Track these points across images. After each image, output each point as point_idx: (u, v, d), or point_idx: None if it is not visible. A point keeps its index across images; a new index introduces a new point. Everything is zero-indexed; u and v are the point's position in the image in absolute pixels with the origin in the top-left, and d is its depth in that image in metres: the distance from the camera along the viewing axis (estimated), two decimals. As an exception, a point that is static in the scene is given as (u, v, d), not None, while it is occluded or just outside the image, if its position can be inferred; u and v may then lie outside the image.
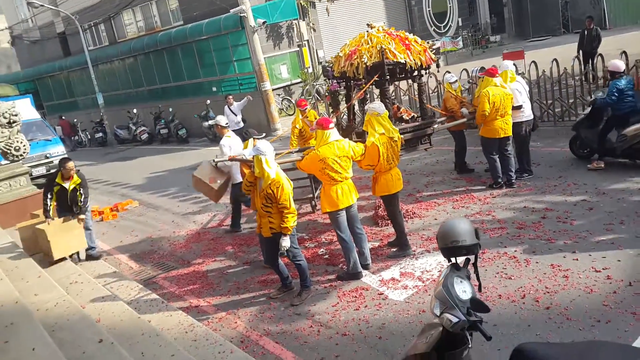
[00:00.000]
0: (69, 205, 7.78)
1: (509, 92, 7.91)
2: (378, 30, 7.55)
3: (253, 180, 5.76)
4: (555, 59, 11.23)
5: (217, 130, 8.49)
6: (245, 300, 6.17)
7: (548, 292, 5.05)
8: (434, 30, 28.55)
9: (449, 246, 3.47)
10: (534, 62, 11.49)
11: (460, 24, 29.90)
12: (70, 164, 7.73)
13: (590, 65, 12.17)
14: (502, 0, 32.16)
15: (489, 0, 31.63)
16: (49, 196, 7.72)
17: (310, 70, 20.78)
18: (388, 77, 7.34)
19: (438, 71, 9.36)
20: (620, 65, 7.97)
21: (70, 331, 5.03)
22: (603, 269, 5.25)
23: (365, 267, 6.24)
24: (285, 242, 5.59)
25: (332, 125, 5.97)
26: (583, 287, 5.01)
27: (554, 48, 20.43)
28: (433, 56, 7.71)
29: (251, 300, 6.14)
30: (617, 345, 3.64)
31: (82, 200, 7.79)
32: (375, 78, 7.29)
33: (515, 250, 6.01)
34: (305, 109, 9.23)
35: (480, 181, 8.64)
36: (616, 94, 7.80)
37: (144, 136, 20.97)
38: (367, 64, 7.22)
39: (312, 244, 7.40)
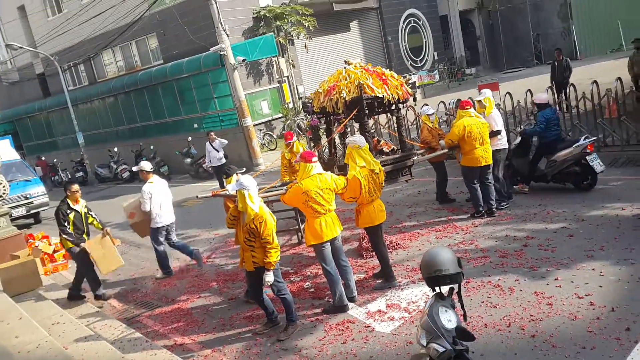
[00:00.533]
0: (84, 229, 7.88)
1: (484, 121, 8.11)
2: (355, 66, 7.74)
3: (237, 214, 5.77)
4: (529, 90, 11.53)
5: (142, 176, 8.65)
6: (231, 336, 6.10)
7: (533, 320, 5.09)
8: (410, 64, 29.16)
9: (433, 275, 3.53)
10: (508, 93, 11.77)
11: (436, 57, 30.61)
12: (76, 186, 7.84)
13: (563, 94, 12.51)
14: (475, 34, 33.09)
15: (464, 35, 32.51)
16: (67, 225, 7.68)
17: (290, 105, 21.02)
18: (367, 111, 7.49)
19: (415, 104, 9.58)
20: (544, 97, 8.92)
21: (52, 375, 4.93)
22: (586, 295, 5.32)
23: (351, 299, 6.23)
24: (269, 277, 5.59)
25: (314, 158, 6.05)
26: (567, 314, 5.06)
27: (528, 79, 20.96)
28: (409, 90, 7.90)
29: (237, 336, 6.07)
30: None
31: (97, 219, 8.09)
32: (355, 112, 7.43)
33: (499, 279, 6.07)
34: (290, 142, 9.34)
35: (462, 211, 8.75)
36: (544, 123, 8.57)
37: (126, 174, 20.83)
38: (346, 99, 7.37)
39: (297, 278, 7.38)
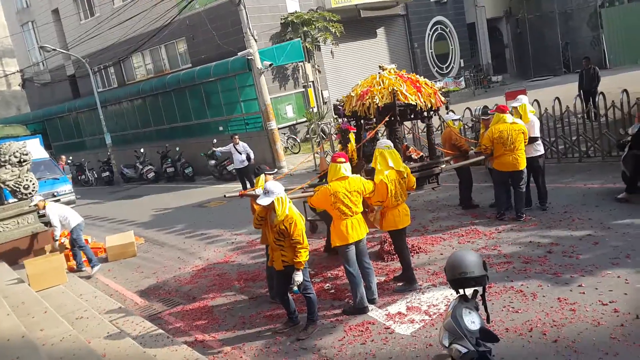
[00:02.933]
0: None
1: (520, 127, 8.00)
2: (389, 72, 7.73)
3: (264, 215, 5.84)
4: (557, 98, 11.39)
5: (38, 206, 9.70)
6: (251, 335, 6.14)
7: (555, 326, 5.03)
8: (436, 71, 29.05)
9: (458, 278, 3.50)
10: (536, 100, 11.65)
11: (462, 64, 30.44)
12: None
13: (591, 103, 12.34)
14: (503, 42, 32.80)
15: (491, 42, 32.26)
16: None
17: (315, 110, 21.10)
18: (398, 117, 7.47)
19: (447, 113, 9.55)
20: None
21: (76, 365, 5.02)
22: (610, 302, 5.24)
23: (372, 301, 6.22)
24: (299, 277, 5.63)
25: (342, 159, 6.07)
26: (590, 320, 4.99)
27: (556, 87, 20.69)
28: (442, 98, 7.86)
29: (257, 335, 6.11)
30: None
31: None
32: (387, 119, 7.41)
33: (522, 285, 6.00)
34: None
35: (485, 216, 8.67)
36: None
37: (151, 175, 21.15)
38: (379, 105, 7.37)
39: (318, 279, 7.39)
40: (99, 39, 24.61)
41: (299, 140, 20.37)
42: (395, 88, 7.33)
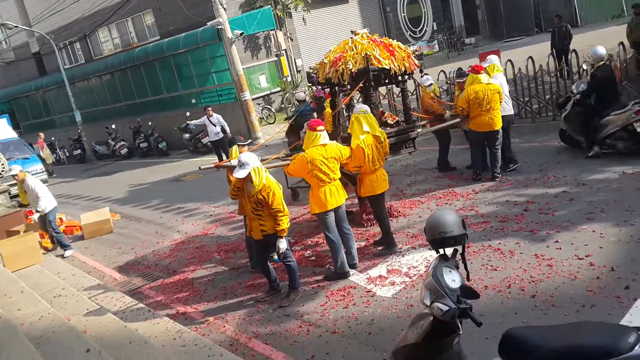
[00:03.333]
0: None
1: (496, 86, 7.99)
2: (362, 37, 7.60)
3: (241, 185, 5.76)
4: (530, 57, 11.40)
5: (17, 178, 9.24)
6: (233, 305, 6.13)
7: (533, 281, 5.10)
8: (409, 35, 28.83)
9: (437, 237, 3.49)
10: (509, 61, 11.66)
11: (435, 27, 30.25)
12: None
13: (564, 61, 12.38)
14: (475, 3, 32.64)
15: (463, 4, 32.07)
16: None
17: (289, 79, 20.84)
18: (373, 82, 7.38)
19: (422, 76, 9.49)
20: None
21: (57, 343, 4.97)
22: (586, 256, 5.32)
23: (353, 266, 6.25)
24: (282, 244, 5.66)
25: (321, 127, 6.00)
26: (567, 275, 5.07)
27: (529, 47, 20.69)
28: (416, 61, 7.77)
29: (239, 304, 6.10)
30: (602, 324, 3.70)
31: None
32: (361, 84, 7.32)
33: (500, 243, 6.07)
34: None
35: (462, 178, 8.72)
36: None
37: (124, 151, 20.82)
38: (352, 71, 7.26)
39: (299, 247, 7.39)
40: (63, 14, 23.73)
41: (274, 110, 20.15)
42: (368, 53, 7.22)
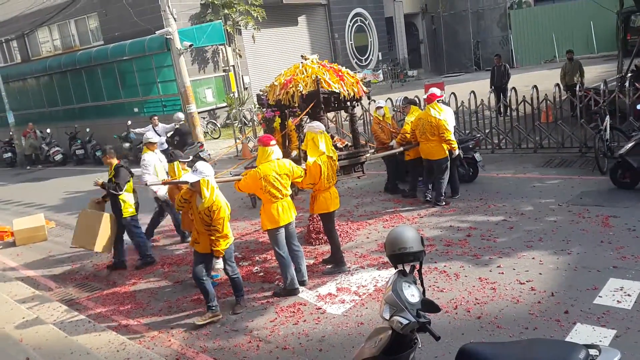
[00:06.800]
0: None
1: (439, 118, 8.29)
2: (312, 62, 7.73)
3: (188, 197, 5.69)
4: (472, 91, 11.95)
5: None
6: (179, 318, 6.00)
7: (478, 303, 5.31)
8: (355, 62, 29.52)
9: (397, 253, 3.59)
10: (453, 93, 12.17)
11: (380, 57, 31.14)
12: None
13: (502, 98, 13.08)
14: (419, 37, 33.91)
15: (407, 37, 33.24)
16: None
17: (236, 95, 20.77)
18: (323, 105, 7.50)
19: (369, 103, 9.72)
20: None
21: (-8, 351, 4.68)
22: (527, 281, 5.61)
23: (302, 283, 6.27)
24: (219, 265, 5.67)
25: (273, 142, 6.04)
26: (510, 298, 5.32)
27: (469, 83, 21.70)
28: (365, 88, 7.98)
29: (184, 318, 5.97)
30: (554, 340, 3.90)
31: None
32: (311, 106, 7.41)
33: (445, 265, 6.29)
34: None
35: (408, 202, 8.96)
36: None
37: (58, 157, 19.89)
38: (303, 93, 7.36)
39: (246, 263, 7.34)
40: (1, 9, 22.75)
41: (219, 126, 20.00)
42: (318, 76, 7.37)
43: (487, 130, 11.81)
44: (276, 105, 7.97)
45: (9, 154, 21.51)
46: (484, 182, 9.47)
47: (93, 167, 18.15)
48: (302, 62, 7.78)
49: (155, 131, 13.82)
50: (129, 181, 7.65)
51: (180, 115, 13.20)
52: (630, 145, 7.92)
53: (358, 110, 12.76)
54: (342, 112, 9.29)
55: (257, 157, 6.15)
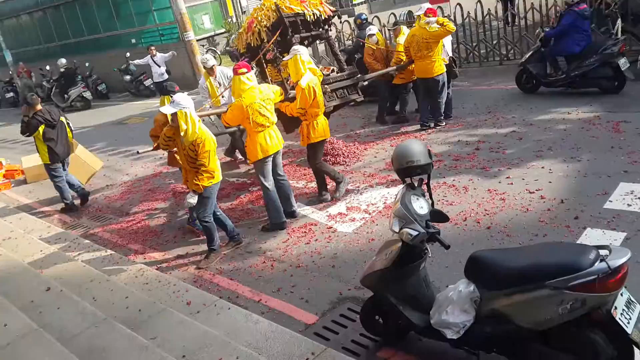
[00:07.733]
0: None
1: (434, 31, 7.71)
2: None
3: (172, 135, 5.30)
4: (479, 1, 11.49)
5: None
6: (193, 243, 6.11)
7: (488, 214, 5.34)
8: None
9: (405, 167, 3.57)
10: (459, 4, 11.71)
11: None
12: None
13: (510, 6, 12.58)
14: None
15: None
16: None
17: (234, 20, 20.19)
18: (291, 32, 7.13)
19: (341, 22, 9.22)
20: None
21: (14, 283, 4.84)
22: (536, 190, 5.60)
23: (292, 213, 6.16)
24: (192, 200, 5.24)
25: (243, 70, 5.62)
26: (519, 207, 5.33)
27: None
28: (330, 7, 7.59)
29: (199, 243, 6.08)
30: (563, 243, 3.93)
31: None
32: (278, 33, 7.05)
33: (454, 180, 6.28)
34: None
35: (416, 121, 8.82)
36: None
37: (60, 94, 19.70)
38: (267, 25, 7.06)
39: (255, 188, 7.34)
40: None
41: (219, 53, 19.55)
42: (277, 2, 7.03)
43: (494, 42, 11.46)
44: (248, 50, 7.62)
45: (11, 94, 21.32)
46: (492, 94, 9.29)
47: (96, 102, 18.06)
48: (261, 3, 7.47)
49: (154, 61, 13.62)
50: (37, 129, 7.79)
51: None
52: (528, 54, 8.88)
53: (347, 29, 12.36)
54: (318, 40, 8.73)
55: (232, 88, 5.80)
